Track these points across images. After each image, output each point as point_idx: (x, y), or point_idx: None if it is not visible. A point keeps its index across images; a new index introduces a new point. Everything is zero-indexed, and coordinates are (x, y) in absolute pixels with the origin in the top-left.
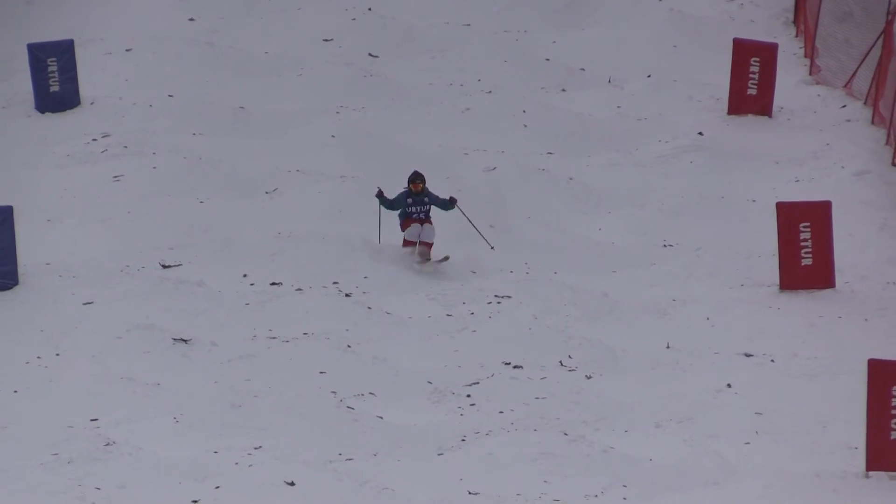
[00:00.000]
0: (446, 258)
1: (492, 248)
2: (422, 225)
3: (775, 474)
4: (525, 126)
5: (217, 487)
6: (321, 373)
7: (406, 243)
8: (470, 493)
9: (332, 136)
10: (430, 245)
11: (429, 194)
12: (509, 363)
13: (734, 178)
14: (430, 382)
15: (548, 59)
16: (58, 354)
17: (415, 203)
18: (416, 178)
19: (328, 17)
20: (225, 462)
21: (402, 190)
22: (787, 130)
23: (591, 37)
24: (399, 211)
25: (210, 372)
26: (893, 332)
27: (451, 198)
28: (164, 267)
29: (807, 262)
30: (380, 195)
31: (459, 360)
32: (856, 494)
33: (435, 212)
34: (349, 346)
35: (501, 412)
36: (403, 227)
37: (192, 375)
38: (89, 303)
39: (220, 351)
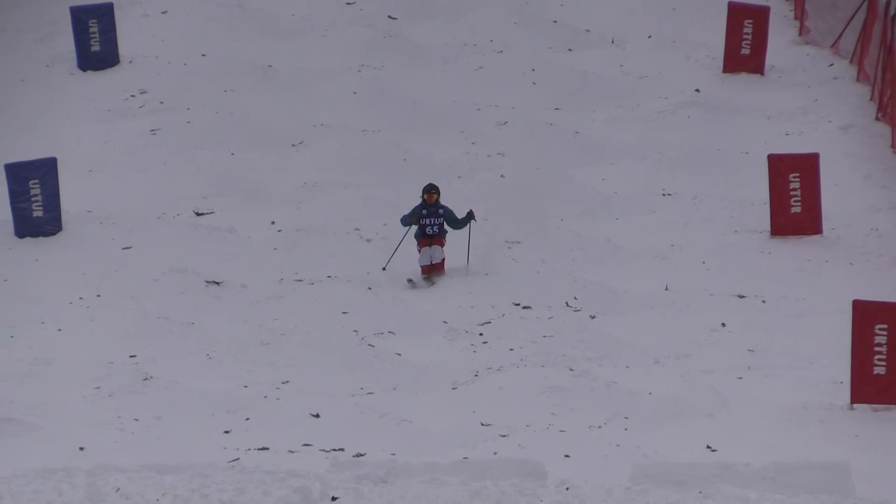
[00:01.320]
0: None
1: (467, 265)
2: (430, 247)
3: (766, 407)
4: (534, 84)
5: (247, 419)
6: (344, 313)
7: (424, 270)
8: (482, 424)
9: (354, 93)
10: (440, 266)
11: (443, 208)
12: (519, 304)
13: (728, 131)
14: (446, 322)
15: (555, 22)
16: (99, 295)
17: (429, 214)
18: (431, 189)
19: None
20: (254, 396)
21: (417, 204)
22: (778, 87)
23: (596, 0)
24: (415, 231)
25: (240, 312)
26: (876, 275)
27: (469, 212)
28: (198, 214)
29: (796, 209)
30: (405, 222)
31: (472, 302)
32: (841, 425)
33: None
34: (370, 288)
35: (511, 349)
36: (419, 248)
37: (223, 315)
38: (128, 248)
39: (249, 292)
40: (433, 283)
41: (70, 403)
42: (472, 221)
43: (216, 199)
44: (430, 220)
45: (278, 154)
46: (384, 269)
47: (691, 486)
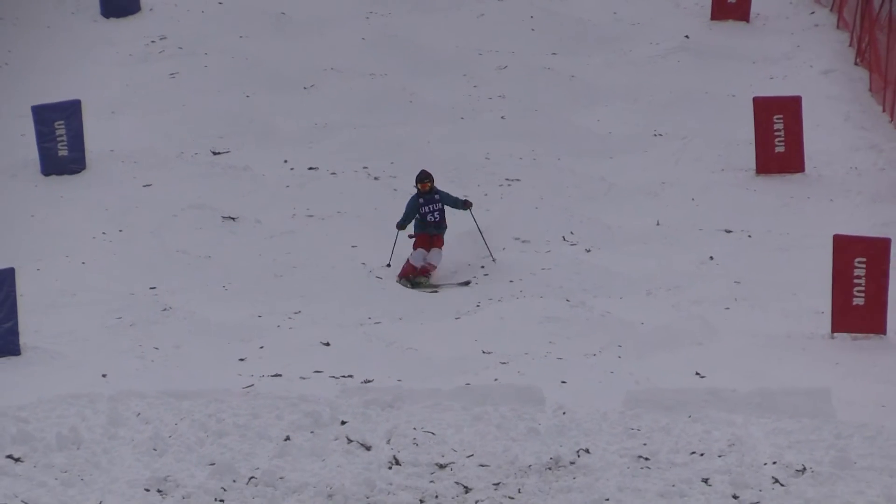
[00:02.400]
0: (435, 291)
1: (494, 260)
2: (428, 250)
3: (751, 335)
4: (532, 30)
5: (261, 347)
6: (353, 247)
7: (407, 269)
8: (484, 352)
9: (363, 39)
10: (433, 267)
11: (439, 192)
12: (518, 238)
13: (716, 75)
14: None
15: None
16: (121, 230)
17: (426, 203)
18: (424, 177)
19: None
20: (268, 325)
21: (411, 196)
22: (763, 34)
23: None
24: (415, 223)
25: (255, 246)
26: (856, 211)
27: (465, 200)
28: (215, 154)
29: (780, 149)
30: (400, 226)
31: (475, 235)
32: (822, 353)
33: (448, 229)
34: (377, 224)
35: (511, 281)
36: (415, 246)
37: (238, 249)
38: (148, 185)
39: (263, 227)
40: (420, 287)
41: (93, 333)
42: (472, 216)
43: (232, 139)
44: (429, 207)
45: (291, 96)
46: (388, 265)
47: (681, 410)
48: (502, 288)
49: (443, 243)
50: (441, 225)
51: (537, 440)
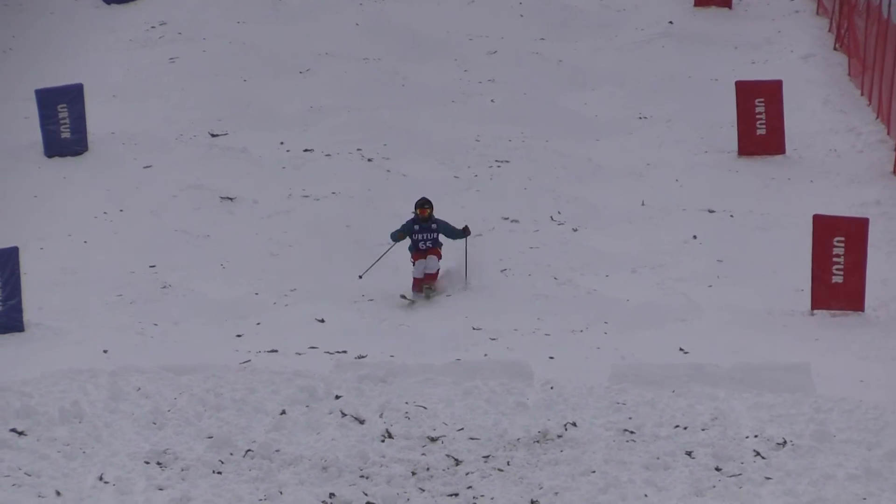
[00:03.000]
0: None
1: (466, 283)
2: (425, 258)
3: (733, 312)
4: (521, 16)
5: (258, 323)
6: (347, 226)
7: (415, 283)
8: (473, 328)
9: (357, 24)
10: (433, 276)
11: (437, 221)
12: (507, 218)
13: (699, 60)
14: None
15: None
16: (121, 210)
17: (421, 230)
18: (424, 203)
19: None
20: (264, 302)
21: (409, 217)
22: (745, 20)
23: None
24: (409, 244)
25: (252, 225)
26: (834, 192)
27: (465, 227)
28: (213, 136)
29: (761, 132)
30: (393, 237)
31: (465, 216)
32: (802, 329)
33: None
34: (371, 204)
35: (501, 259)
36: (413, 260)
37: (236, 228)
38: (148, 166)
39: (260, 207)
40: (429, 296)
41: (95, 310)
42: (469, 238)
43: (229, 121)
44: (423, 235)
45: (287, 80)
46: (360, 277)
47: (665, 385)
48: (492, 266)
49: (440, 254)
50: (434, 246)
51: (526, 414)
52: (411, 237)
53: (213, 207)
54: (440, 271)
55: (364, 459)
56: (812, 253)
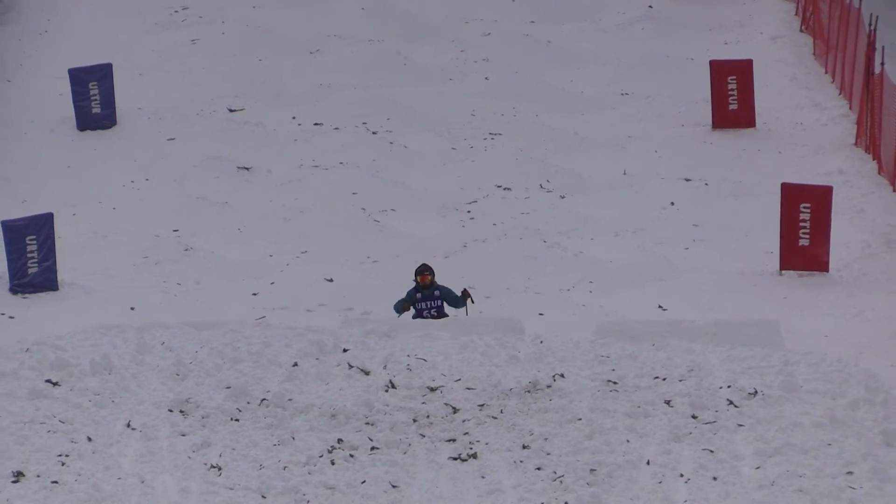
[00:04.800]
0: None
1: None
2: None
3: (708, 273)
4: (513, 0)
5: (272, 283)
6: (353, 194)
7: None
8: (469, 287)
9: (362, 9)
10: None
11: (440, 288)
12: (500, 186)
13: (676, 41)
14: (439, 200)
15: None
16: (147, 179)
17: (424, 298)
18: (424, 269)
19: None
20: (278, 263)
21: (410, 286)
22: (718, 4)
23: None
24: (412, 313)
25: (266, 193)
26: (801, 162)
27: (464, 291)
28: (231, 111)
29: (733, 107)
30: (397, 309)
31: (461, 184)
32: (771, 288)
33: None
34: (375, 173)
35: (494, 224)
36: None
37: (252, 196)
38: (172, 139)
39: (274, 176)
40: None
41: (123, 270)
42: (470, 302)
43: (246, 97)
44: (427, 303)
45: (298, 60)
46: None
47: (645, 339)
48: (486, 230)
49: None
50: (438, 316)
51: (517, 366)
52: (415, 307)
53: (231, 176)
54: None
55: (369, 408)
56: (780, 218)
